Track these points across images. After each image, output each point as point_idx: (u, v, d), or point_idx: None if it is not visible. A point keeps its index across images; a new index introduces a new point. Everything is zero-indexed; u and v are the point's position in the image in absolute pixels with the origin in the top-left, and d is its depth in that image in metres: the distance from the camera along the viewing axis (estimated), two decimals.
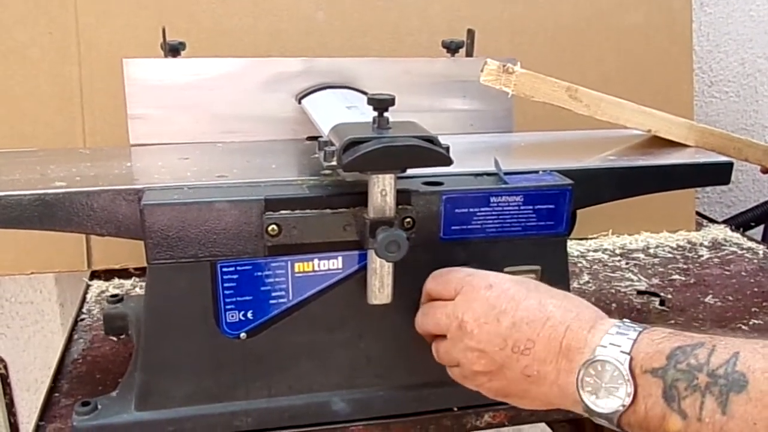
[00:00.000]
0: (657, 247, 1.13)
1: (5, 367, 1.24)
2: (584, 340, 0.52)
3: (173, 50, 0.80)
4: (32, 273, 1.00)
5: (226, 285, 0.61)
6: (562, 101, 0.76)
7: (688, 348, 0.48)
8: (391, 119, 0.59)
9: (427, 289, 0.62)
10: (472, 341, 0.56)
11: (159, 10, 0.98)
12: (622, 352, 0.50)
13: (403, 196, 0.61)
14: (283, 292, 0.62)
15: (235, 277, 0.61)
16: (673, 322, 0.88)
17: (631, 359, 0.49)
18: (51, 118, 0.98)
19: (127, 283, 0.99)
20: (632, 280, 1.00)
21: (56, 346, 1.22)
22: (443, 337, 0.60)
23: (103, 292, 0.96)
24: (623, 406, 0.49)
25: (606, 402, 0.50)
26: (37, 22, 0.96)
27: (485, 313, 0.56)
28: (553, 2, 1.11)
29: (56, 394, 0.72)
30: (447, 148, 0.58)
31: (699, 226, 1.22)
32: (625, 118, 0.79)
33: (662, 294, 0.96)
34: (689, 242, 1.16)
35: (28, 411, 1.28)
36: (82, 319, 0.88)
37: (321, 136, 0.65)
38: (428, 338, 0.62)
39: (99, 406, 0.63)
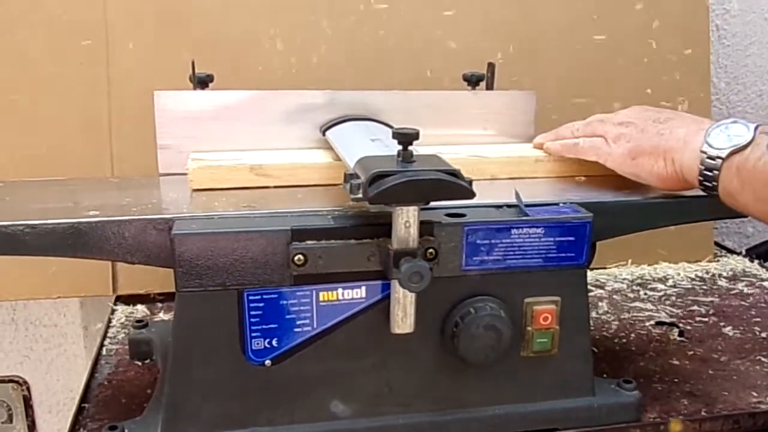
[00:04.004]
0: (676, 277, 1.13)
1: (28, 389, 1.26)
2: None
3: (201, 82, 0.82)
4: (58, 297, 1.02)
5: (252, 313, 0.62)
6: (247, 181, 0.73)
7: None
8: (414, 152, 0.61)
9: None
10: (621, 116, 0.75)
11: (187, 43, 1.00)
12: (750, 123, 0.65)
13: (426, 228, 0.62)
14: (307, 321, 0.63)
15: (261, 305, 0.62)
16: (692, 353, 0.88)
17: (758, 126, 0.64)
18: (79, 147, 1.00)
19: (151, 308, 1.00)
20: (651, 311, 1.01)
21: (79, 369, 1.24)
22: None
23: (127, 317, 0.98)
24: (736, 145, 0.63)
25: (724, 143, 0.64)
26: (68, 53, 0.99)
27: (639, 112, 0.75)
28: (572, 35, 1.13)
29: (82, 418, 0.73)
30: (470, 182, 0.59)
31: (718, 257, 1.22)
32: None
33: (681, 324, 0.96)
34: (708, 273, 1.16)
35: None
36: (107, 344, 0.90)
37: (345, 168, 0.66)
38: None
39: (126, 430, 0.64)
